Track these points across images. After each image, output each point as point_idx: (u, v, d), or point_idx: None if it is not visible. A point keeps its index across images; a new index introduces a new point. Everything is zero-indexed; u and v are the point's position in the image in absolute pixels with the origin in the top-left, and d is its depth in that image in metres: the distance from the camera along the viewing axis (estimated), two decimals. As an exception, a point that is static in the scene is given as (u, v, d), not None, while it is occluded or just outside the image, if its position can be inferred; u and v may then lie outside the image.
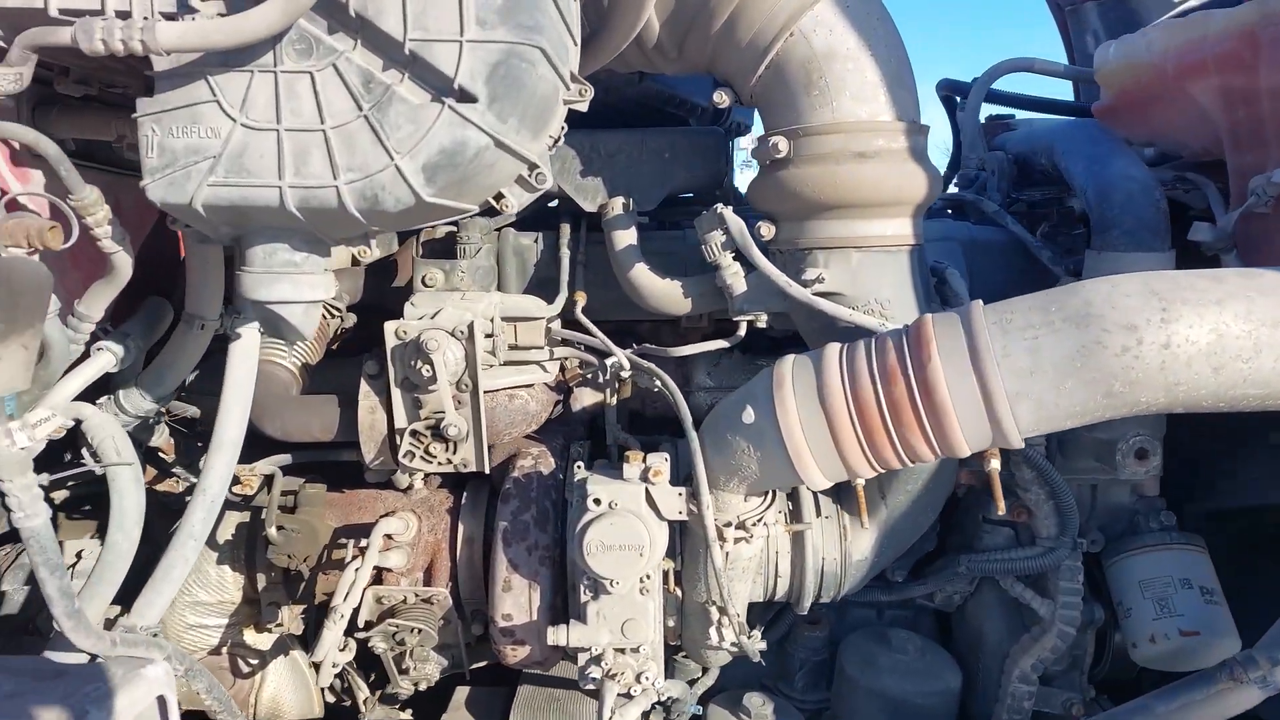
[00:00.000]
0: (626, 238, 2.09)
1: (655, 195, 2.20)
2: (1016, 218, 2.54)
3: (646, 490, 1.73)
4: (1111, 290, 1.42)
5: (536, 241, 2.22)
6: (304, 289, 1.42)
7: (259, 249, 1.39)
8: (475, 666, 2.22)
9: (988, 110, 3.00)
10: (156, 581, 1.67)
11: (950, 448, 1.51)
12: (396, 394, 1.87)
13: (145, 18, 1.17)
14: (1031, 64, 2.62)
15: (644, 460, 1.74)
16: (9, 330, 1.19)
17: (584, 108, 1.53)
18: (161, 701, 1.26)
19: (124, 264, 1.46)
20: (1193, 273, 1.44)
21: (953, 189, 2.81)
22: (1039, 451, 1.97)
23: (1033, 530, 2.05)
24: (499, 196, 1.48)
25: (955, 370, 1.46)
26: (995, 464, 1.61)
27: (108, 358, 1.70)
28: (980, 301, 1.54)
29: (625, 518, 1.70)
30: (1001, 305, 1.52)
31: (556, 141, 1.54)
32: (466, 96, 1.23)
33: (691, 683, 2.23)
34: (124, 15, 1.18)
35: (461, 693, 2.34)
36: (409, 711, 2.36)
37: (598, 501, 1.71)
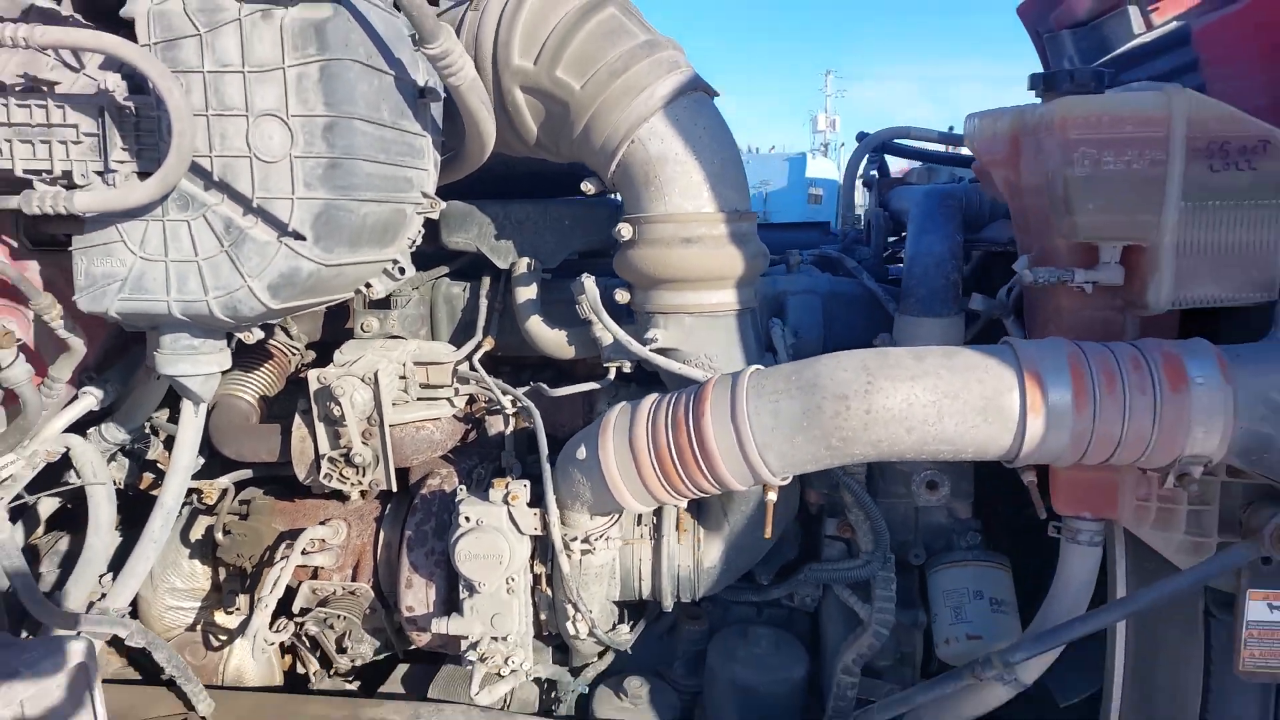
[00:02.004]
0: (527, 293, 2.51)
1: (557, 256, 2.61)
2: (891, 268, 2.88)
3: (508, 510, 2.15)
4: (835, 365, 1.80)
5: (465, 291, 2.66)
6: (201, 365, 1.90)
7: (167, 336, 1.86)
8: (415, 648, 2.67)
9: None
10: (125, 575, 2.16)
11: (724, 484, 1.90)
12: (320, 427, 2.32)
13: (64, 188, 1.64)
14: (908, 132, 2.96)
15: (506, 486, 2.16)
16: None
17: (436, 215, 1.96)
18: (82, 668, 1.72)
19: (77, 344, 1.94)
20: (904, 351, 1.80)
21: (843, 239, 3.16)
22: (856, 478, 2.35)
23: (858, 545, 2.42)
24: (368, 285, 1.93)
25: (720, 424, 1.85)
26: (771, 496, 1.98)
27: (90, 400, 2.18)
28: (754, 368, 1.92)
29: (488, 532, 2.11)
30: (768, 371, 1.90)
31: (415, 243, 1.98)
32: (299, 236, 1.66)
33: (581, 669, 2.63)
34: (67, 176, 1.64)
35: (400, 669, 2.79)
36: (357, 684, 2.82)
37: (468, 519, 2.14)
